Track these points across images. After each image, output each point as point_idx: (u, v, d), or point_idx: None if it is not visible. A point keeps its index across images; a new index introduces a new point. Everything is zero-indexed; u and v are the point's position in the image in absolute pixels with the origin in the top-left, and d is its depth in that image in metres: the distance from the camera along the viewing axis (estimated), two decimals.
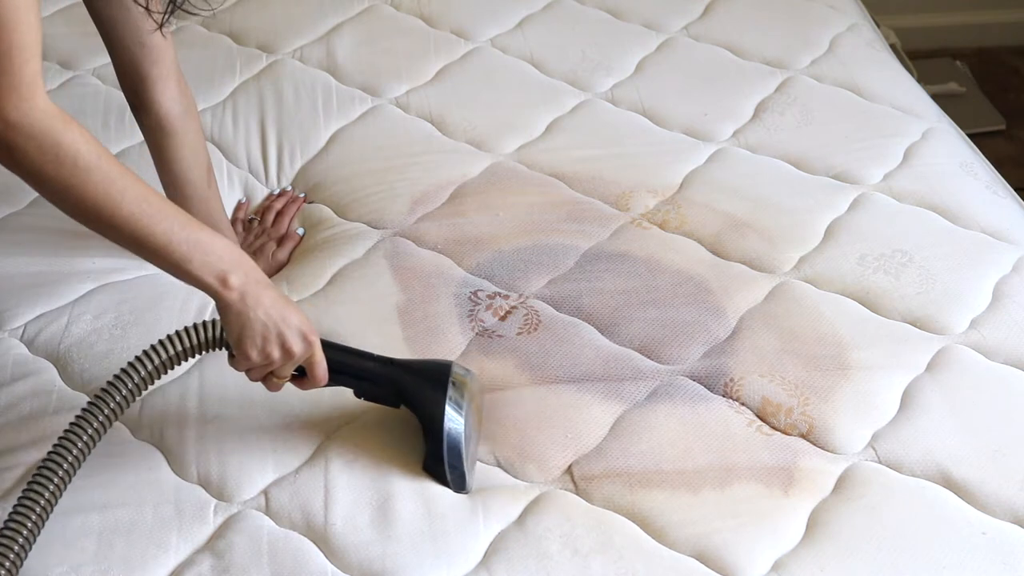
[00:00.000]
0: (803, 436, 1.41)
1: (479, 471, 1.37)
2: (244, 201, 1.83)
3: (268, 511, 1.34)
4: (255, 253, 1.70)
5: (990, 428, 1.41)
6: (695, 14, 2.22)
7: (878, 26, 2.32)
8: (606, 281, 1.60)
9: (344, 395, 1.42)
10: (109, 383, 1.29)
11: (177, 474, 1.38)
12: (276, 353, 1.28)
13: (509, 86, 2.03)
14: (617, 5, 2.23)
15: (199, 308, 1.60)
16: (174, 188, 1.63)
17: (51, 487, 1.25)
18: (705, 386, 1.47)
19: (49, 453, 1.27)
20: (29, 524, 1.23)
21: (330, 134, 1.92)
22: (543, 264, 1.63)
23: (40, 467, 1.26)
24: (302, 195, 1.82)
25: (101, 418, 1.28)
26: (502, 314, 1.56)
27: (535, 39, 2.14)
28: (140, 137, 1.91)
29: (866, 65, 2.09)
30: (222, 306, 1.27)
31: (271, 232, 1.75)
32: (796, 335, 1.52)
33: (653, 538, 1.30)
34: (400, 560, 1.27)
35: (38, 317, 1.59)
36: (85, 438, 1.27)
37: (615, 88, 2.02)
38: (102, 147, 1.22)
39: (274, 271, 1.70)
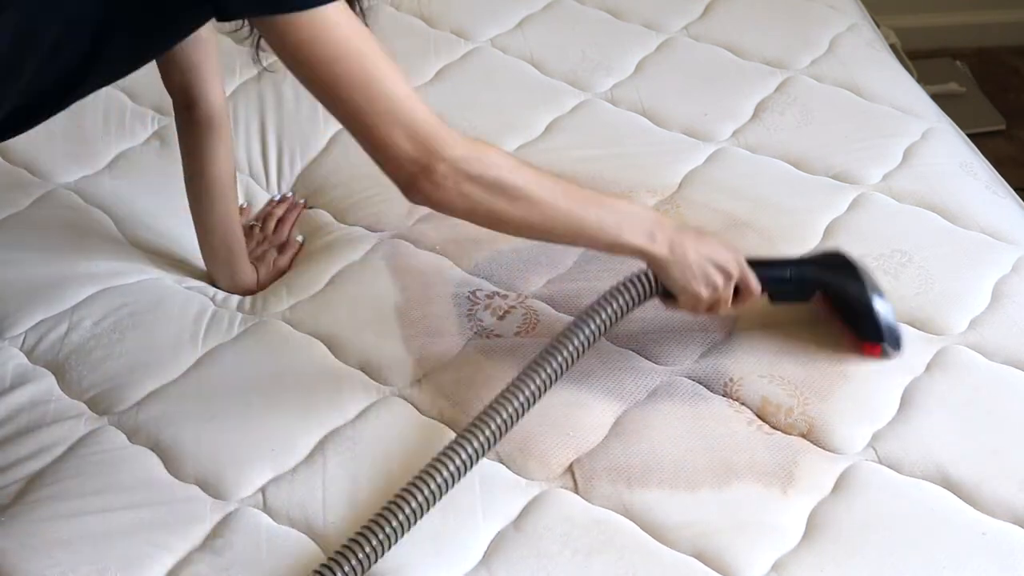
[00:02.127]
0: (803, 436, 1.41)
1: (480, 466, 1.37)
2: (245, 206, 1.83)
3: (266, 509, 1.34)
4: (257, 260, 1.70)
5: (989, 428, 1.41)
6: (695, 14, 2.23)
7: (878, 26, 2.32)
8: (605, 281, 1.59)
9: (340, 393, 1.43)
10: (566, 334, 1.37)
11: (174, 475, 1.38)
12: (719, 279, 1.38)
13: (509, 86, 2.03)
14: (617, 5, 2.23)
15: (198, 312, 1.60)
16: (206, 186, 1.61)
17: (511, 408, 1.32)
18: (705, 386, 1.47)
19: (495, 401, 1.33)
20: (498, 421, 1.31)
21: (330, 136, 1.92)
22: (542, 264, 1.63)
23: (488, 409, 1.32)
24: (302, 201, 1.82)
25: (549, 370, 1.35)
26: (500, 314, 1.56)
27: (535, 39, 2.15)
28: (141, 139, 1.92)
29: (866, 65, 2.09)
30: (660, 262, 1.36)
31: (272, 239, 1.75)
32: (795, 335, 1.52)
33: (653, 537, 1.30)
34: (400, 559, 1.27)
35: (38, 324, 1.59)
36: (533, 386, 1.34)
37: (615, 88, 2.02)
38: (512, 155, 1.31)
39: (275, 277, 1.70)
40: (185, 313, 1.60)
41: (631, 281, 1.41)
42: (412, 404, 1.45)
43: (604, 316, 1.39)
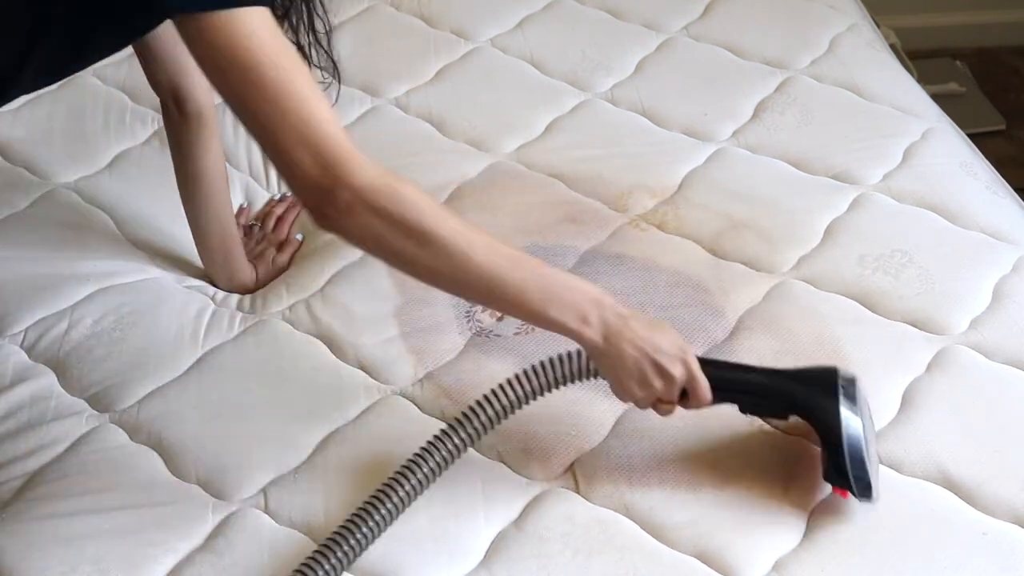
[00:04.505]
0: (804, 436, 1.41)
1: (481, 465, 1.37)
2: (246, 206, 1.83)
3: (267, 509, 1.34)
4: (256, 258, 1.70)
5: (990, 428, 1.41)
6: (695, 14, 2.23)
7: (878, 26, 2.32)
8: (604, 282, 1.59)
9: (341, 393, 1.43)
10: (468, 410, 1.29)
11: (175, 475, 1.38)
12: (657, 383, 1.24)
13: (509, 86, 2.03)
14: (617, 5, 2.23)
15: (198, 311, 1.60)
16: (201, 183, 1.61)
17: (386, 507, 1.24)
18: None
19: (391, 478, 1.25)
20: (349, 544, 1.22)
21: None
22: None
23: (379, 490, 1.25)
24: None
25: (452, 444, 1.27)
26: (499, 315, 1.56)
27: (535, 39, 2.15)
28: (141, 139, 1.92)
29: (866, 65, 2.09)
30: (591, 350, 1.24)
31: (272, 238, 1.75)
32: (795, 335, 1.52)
33: (654, 537, 1.30)
34: (401, 559, 1.27)
35: (38, 322, 1.59)
36: (431, 464, 1.26)
37: (615, 88, 2.02)
38: (434, 201, 1.20)
39: (274, 276, 1.70)
40: (185, 312, 1.60)
41: (565, 358, 1.29)
42: (413, 403, 1.45)
43: (520, 391, 1.30)
